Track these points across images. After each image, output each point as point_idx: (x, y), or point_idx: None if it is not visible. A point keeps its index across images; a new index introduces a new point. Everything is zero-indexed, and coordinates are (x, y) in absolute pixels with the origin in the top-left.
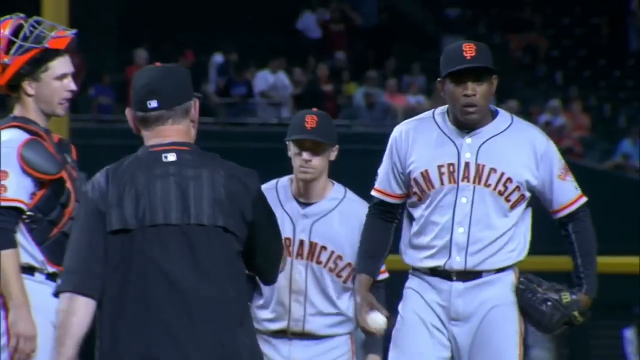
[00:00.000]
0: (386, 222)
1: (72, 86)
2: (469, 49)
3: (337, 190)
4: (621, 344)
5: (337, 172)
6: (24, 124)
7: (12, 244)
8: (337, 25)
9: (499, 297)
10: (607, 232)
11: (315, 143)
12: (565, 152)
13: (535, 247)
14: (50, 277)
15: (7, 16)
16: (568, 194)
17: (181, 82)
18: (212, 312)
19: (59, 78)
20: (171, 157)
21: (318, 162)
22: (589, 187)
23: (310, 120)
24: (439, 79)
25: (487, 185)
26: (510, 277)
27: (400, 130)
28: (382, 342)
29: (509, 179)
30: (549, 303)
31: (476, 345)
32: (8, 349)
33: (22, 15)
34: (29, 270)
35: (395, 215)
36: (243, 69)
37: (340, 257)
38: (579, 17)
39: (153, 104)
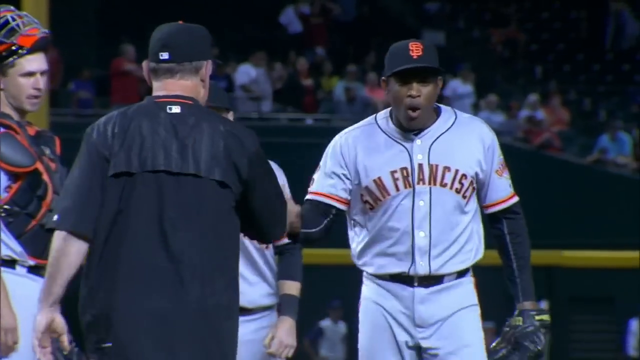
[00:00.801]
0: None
1: (40, 84)
2: (415, 48)
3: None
4: (623, 335)
5: (317, 166)
6: None
7: None
8: (317, 19)
9: (461, 301)
10: (603, 227)
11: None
12: (544, 147)
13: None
14: (32, 270)
15: None
16: (502, 191)
17: (195, 40)
18: (195, 262)
19: (25, 75)
20: (175, 109)
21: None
22: (568, 182)
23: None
24: (383, 78)
25: (443, 185)
26: (470, 282)
27: (343, 138)
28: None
29: (464, 175)
30: (539, 332)
31: (444, 348)
32: None
33: (11, 7)
34: (9, 263)
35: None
36: (223, 63)
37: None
38: (558, 12)
39: (164, 56)
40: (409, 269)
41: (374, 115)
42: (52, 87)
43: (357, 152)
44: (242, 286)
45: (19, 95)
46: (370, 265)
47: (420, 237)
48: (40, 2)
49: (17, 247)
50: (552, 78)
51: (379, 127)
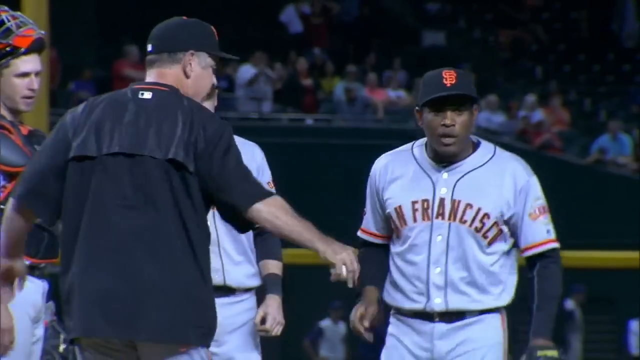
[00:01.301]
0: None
1: (35, 85)
2: (449, 76)
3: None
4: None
5: (317, 166)
6: None
7: None
8: (318, 19)
9: (484, 338)
10: (603, 228)
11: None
12: (544, 147)
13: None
14: (27, 270)
15: None
16: (537, 235)
17: (177, 32)
18: (150, 242)
19: (20, 76)
20: (147, 94)
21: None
22: (568, 182)
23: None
24: (416, 108)
25: (462, 221)
26: (496, 320)
27: (379, 165)
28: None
29: (486, 215)
30: None
31: None
32: None
33: (4, 7)
34: None
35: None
36: (224, 63)
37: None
38: (558, 12)
39: (149, 47)
40: (425, 305)
41: (413, 142)
42: (51, 87)
43: (387, 178)
44: (228, 265)
45: (14, 96)
46: (392, 297)
47: (436, 273)
48: (41, 2)
49: None
50: (552, 78)
51: (413, 155)
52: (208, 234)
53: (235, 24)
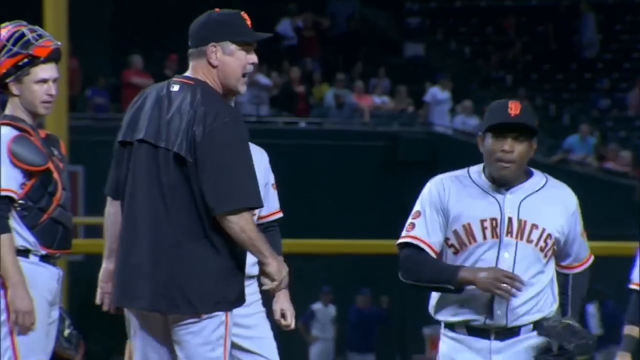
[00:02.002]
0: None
1: (53, 91)
2: (514, 107)
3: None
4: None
5: (309, 165)
6: (13, 121)
7: (7, 229)
8: (310, 32)
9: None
10: None
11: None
12: None
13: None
14: (44, 259)
15: (8, 22)
16: (584, 252)
17: (200, 28)
18: (155, 229)
19: (39, 82)
20: (175, 87)
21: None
22: None
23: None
24: (479, 133)
25: (529, 241)
26: None
27: (440, 185)
28: None
29: (549, 235)
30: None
31: None
32: (8, 323)
33: (23, 22)
34: (24, 252)
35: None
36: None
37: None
38: (526, 26)
39: (189, 43)
40: (485, 319)
41: (467, 168)
42: (71, 94)
43: (450, 197)
44: None
45: (34, 101)
46: (445, 312)
47: None
48: (60, 18)
49: (31, 238)
50: (521, 86)
51: (471, 179)
52: (214, 220)
53: None
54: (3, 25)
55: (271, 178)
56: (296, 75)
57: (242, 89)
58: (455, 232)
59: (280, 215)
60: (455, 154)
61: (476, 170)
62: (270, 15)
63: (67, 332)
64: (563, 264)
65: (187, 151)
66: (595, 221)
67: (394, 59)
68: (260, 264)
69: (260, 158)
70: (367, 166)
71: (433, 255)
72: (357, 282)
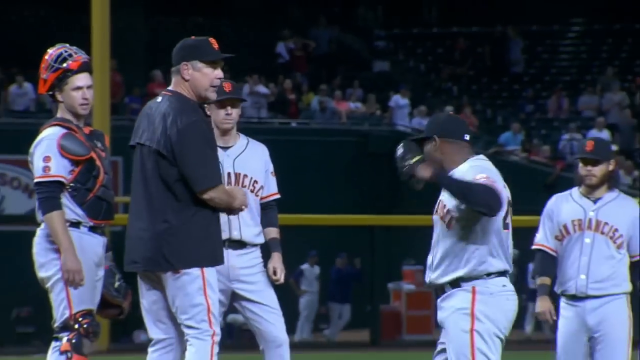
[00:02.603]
0: None
1: (87, 95)
2: (589, 145)
3: None
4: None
5: (298, 158)
6: (61, 122)
7: (58, 206)
8: (299, 52)
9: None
10: None
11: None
12: None
13: None
14: (91, 229)
15: (58, 45)
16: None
17: (176, 51)
18: (143, 208)
19: (75, 89)
20: (159, 98)
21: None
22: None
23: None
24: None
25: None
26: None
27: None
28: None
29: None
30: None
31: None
32: (63, 280)
33: (65, 44)
34: (75, 224)
35: None
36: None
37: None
38: (469, 47)
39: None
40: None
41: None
42: (114, 101)
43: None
44: (243, 226)
45: (73, 104)
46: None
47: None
48: (104, 41)
49: (80, 212)
50: (464, 94)
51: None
52: (184, 198)
53: (240, 55)
54: (52, 49)
55: (270, 167)
56: (288, 85)
57: (212, 96)
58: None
59: (278, 196)
60: None
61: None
62: (269, 39)
63: (117, 284)
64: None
65: (164, 148)
66: (522, 200)
67: (365, 73)
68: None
69: (262, 151)
70: (344, 157)
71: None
72: (336, 247)
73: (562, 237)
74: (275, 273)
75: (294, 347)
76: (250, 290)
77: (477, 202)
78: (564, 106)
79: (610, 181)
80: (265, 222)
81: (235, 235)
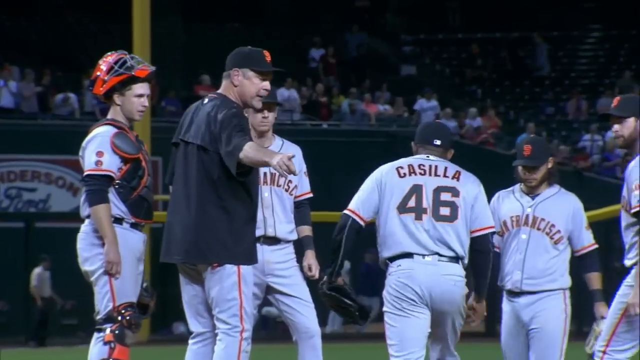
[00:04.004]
0: None
1: (146, 103)
2: (527, 149)
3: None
4: None
5: (330, 156)
6: (114, 122)
7: (106, 200)
8: (331, 58)
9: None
10: None
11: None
12: (482, 143)
13: None
14: (133, 226)
15: (113, 51)
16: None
17: (231, 57)
18: (184, 202)
19: (137, 96)
20: (206, 100)
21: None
22: (499, 168)
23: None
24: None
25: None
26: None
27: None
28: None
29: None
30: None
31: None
32: (106, 273)
33: (124, 51)
34: (119, 220)
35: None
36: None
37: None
38: (491, 52)
39: None
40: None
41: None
42: (151, 104)
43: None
44: (277, 223)
45: (133, 110)
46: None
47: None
48: (145, 46)
49: (124, 209)
50: (488, 97)
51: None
52: (229, 194)
53: (275, 60)
54: (109, 53)
55: (304, 167)
56: (320, 89)
57: (257, 105)
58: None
59: (311, 195)
60: None
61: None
62: (303, 46)
63: (144, 285)
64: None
65: (208, 143)
66: None
67: (393, 77)
68: (267, 165)
69: (296, 152)
70: (373, 157)
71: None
72: (366, 243)
73: (502, 233)
74: (310, 269)
75: (325, 338)
76: (284, 283)
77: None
78: (582, 108)
79: (550, 178)
80: (299, 220)
81: (270, 232)
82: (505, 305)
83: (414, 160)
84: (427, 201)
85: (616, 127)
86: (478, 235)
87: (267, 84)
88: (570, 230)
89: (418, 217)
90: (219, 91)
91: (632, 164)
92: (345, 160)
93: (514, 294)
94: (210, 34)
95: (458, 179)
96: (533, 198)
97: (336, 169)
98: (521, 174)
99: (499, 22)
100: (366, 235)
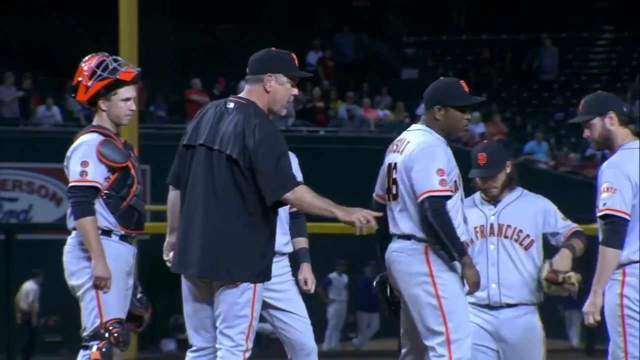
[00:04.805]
0: None
1: (133, 107)
2: (482, 158)
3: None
4: None
5: (328, 165)
6: (99, 129)
7: (92, 212)
8: (328, 61)
9: None
10: None
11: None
12: None
13: None
14: (122, 238)
15: (94, 53)
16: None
17: (260, 60)
18: (207, 214)
19: (124, 100)
20: (230, 104)
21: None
22: None
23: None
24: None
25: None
26: None
27: None
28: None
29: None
30: None
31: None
32: (94, 288)
33: (105, 53)
34: (107, 232)
35: None
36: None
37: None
38: (497, 54)
39: (247, 70)
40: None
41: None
42: (138, 109)
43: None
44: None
45: (120, 114)
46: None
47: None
48: (132, 48)
49: (113, 221)
50: (493, 102)
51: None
52: (255, 210)
53: None
54: (89, 56)
55: (300, 176)
56: (317, 93)
57: (283, 112)
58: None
59: None
60: None
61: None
62: (300, 49)
63: (139, 296)
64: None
65: (239, 155)
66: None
67: (393, 80)
68: (331, 215)
69: (291, 160)
70: (373, 165)
71: None
72: (365, 256)
73: (468, 246)
74: (306, 283)
75: (322, 356)
76: (279, 298)
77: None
78: None
79: (510, 183)
80: (294, 232)
81: None
82: (478, 319)
83: None
84: None
85: (586, 132)
86: None
87: (296, 90)
88: (540, 232)
89: None
90: (244, 96)
91: (604, 165)
92: (343, 169)
93: (492, 308)
94: (202, 35)
95: None
96: (495, 205)
97: (334, 178)
98: (480, 184)
99: (505, 22)
100: (365, 247)
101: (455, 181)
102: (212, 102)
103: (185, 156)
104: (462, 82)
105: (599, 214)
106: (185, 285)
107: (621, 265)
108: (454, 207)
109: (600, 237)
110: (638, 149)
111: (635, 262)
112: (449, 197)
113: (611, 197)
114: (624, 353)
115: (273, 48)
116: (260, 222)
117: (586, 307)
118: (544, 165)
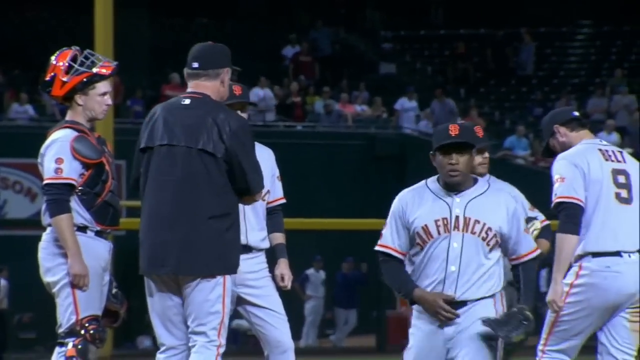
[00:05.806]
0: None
1: (109, 101)
2: (453, 129)
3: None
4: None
5: (303, 162)
6: (73, 125)
7: (67, 210)
8: (305, 56)
9: None
10: None
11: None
12: None
13: None
14: (98, 234)
15: (66, 48)
16: (526, 246)
17: (216, 54)
18: (180, 211)
19: (101, 95)
20: (186, 101)
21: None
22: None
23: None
24: (431, 152)
25: (473, 232)
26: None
27: (400, 198)
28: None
29: (490, 229)
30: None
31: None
32: (69, 285)
33: (77, 47)
34: (82, 228)
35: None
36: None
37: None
38: (475, 49)
39: (195, 64)
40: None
41: (425, 180)
42: (115, 103)
43: (408, 207)
44: (249, 231)
45: (96, 109)
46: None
47: (451, 270)
48: (108, 43)
49: (88, 217)
50: (471, 97)
51: (428, 188)
52: (228, 203)
53: (246, 59)
54: (60, 51)
55: (276, 171)
56: (294, 88)
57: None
58: (418, 234)
59: (284, 201)
60: (420, 151)
61: (432, 180)
62: (276, 43)
63: (114, 291)
64: (511, 257)
65: (215, 148)
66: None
67: (371, 75)
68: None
69: (268, 155)
70: (350, 160)
71: (400, 255)
72: (342, 251)
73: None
74: (282, 279)
75: (299, 352)
76: (256, 294)
77: None
78: None
79: (473, 174)
80: (271, 227)
81: (242, 240)
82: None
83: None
84: None
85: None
86: None
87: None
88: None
89: None
90: (199, 90)
91: (557, 157)
92: (320, 164)
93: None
94: (179, 29)
95: None
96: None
97: (311, 173)
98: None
99: (483, 17)
100: (342, 243)
101: None
102: (159, 105)
103: (141, 159)
104: None
105: (552, 206)
106: (150, 284)
107: (580, 257)
108: None
109: (557, 227)
110: (591, 144)
111: (591, 254)
112: None
113: (560, 186)
114: (546, 336)
115: (210, 42)
116: (233, 215)
117: (548, 296)
118: (522, 160)
